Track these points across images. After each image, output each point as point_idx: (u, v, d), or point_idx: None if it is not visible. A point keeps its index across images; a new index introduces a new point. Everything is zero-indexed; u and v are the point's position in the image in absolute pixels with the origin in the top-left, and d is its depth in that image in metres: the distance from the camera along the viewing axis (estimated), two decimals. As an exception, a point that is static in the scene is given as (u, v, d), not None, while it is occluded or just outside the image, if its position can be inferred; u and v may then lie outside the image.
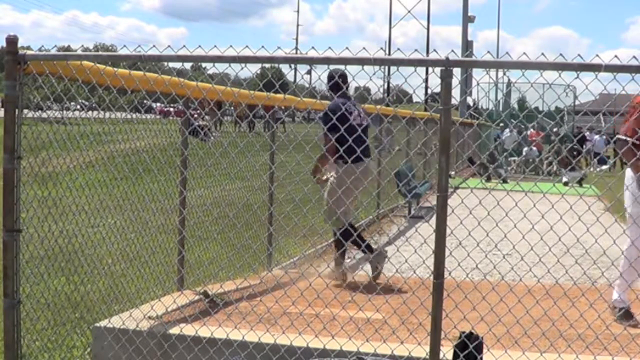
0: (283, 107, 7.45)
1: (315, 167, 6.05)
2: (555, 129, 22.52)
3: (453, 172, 18.82)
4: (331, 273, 5.88)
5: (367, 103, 8.32)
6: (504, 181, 16.44)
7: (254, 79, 3.72)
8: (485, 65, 3.09)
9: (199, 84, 4.74)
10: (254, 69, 3.33)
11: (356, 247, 6.20)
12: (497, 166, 19.68)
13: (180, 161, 4.76)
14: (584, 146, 24.19)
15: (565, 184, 16.75)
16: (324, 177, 6.05)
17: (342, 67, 5.11)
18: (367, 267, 7.11)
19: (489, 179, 18.57)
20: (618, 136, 4.92)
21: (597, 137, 25.77)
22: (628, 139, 4.65)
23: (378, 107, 9.05)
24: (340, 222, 5.65)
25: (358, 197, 6.10)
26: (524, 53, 2.92)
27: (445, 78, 2.94)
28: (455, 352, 3.18)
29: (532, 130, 22.47)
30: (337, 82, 5.92)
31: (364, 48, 3.26)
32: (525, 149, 22.06)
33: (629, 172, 4.76)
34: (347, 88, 6.03)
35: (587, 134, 25.29)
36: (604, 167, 23.52)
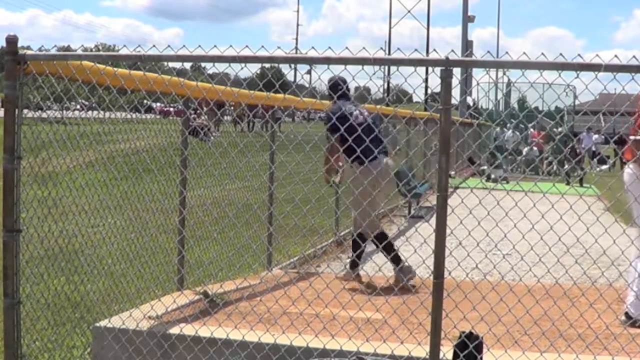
0: (283, 107, 7.43)
1: (327, 168, 5.99)
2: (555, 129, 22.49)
3: (453, 172, 18.81)
4: (347, 274, 5.94)
5: (367, 103, 8.31)
6: (505, 180, 16.42)
7: (254, 79, 3.71)
8: (485, 65, 3.09)
9: (199, 84, 4.73)
10: (254, 68, 3.34)
11: (386, 254, 5.90)
12: (497, 166, 19.67)
13: (180, 161, 4.76)
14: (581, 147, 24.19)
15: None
16: (337, 179, 6.03)
17: (341, 67, 5.01)
18: (367, 267, 7.12)
19: (488, 179, 18.55)
20: (633, 137, 4.86)
21: (593, 135, 25.84)
22: None
23: (378, 106, 9.04)
24: (372, 226, 5.68)
25: (378, 200, 5.78)
26: (524, 53, 2.92)
27: (445, 78, 2.94)
28: (455, 352, 3.18)
29: (532, 130, 22.43)
30: (336, 84, 5.95)
31: (363, 48, 3.26)
32: (526, 149, 22.03)
33: (628, 172, 4.72)
34: (347, 89, 6.00)
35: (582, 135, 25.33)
36: (604, 167, 23.50)
